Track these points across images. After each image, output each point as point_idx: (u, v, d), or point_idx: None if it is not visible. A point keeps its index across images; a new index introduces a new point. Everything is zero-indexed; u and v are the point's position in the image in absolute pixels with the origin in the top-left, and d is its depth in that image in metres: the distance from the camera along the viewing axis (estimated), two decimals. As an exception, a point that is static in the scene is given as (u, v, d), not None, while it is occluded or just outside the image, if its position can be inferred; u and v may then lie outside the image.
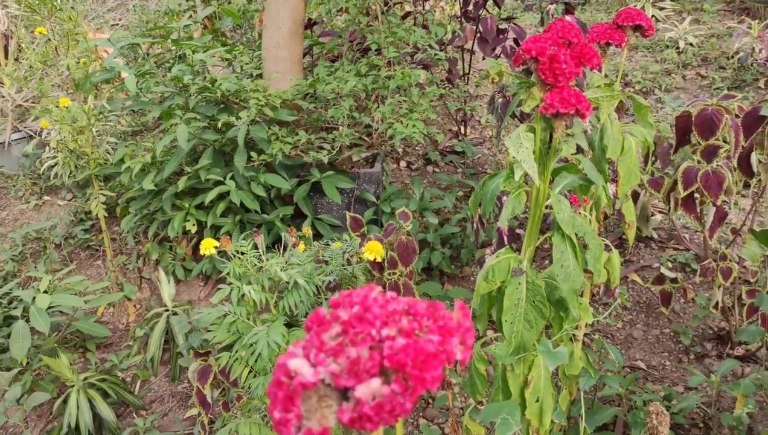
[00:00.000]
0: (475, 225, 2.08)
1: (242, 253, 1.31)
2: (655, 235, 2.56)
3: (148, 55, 2.89)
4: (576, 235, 0.99)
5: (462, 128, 3.29)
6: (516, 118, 2.53)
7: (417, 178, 2.70)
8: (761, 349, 1.94)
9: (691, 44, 4.13)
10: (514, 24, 2.92)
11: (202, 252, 1.21)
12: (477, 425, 1.11)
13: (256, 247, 1.36)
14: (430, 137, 3.18)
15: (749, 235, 1.45)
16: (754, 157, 1.97)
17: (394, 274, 1.86)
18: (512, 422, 0.97)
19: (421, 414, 1.98)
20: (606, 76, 2.17)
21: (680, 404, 1.69)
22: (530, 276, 0.99)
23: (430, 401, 1.99)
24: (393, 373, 0.37)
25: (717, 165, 1.81)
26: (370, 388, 0.37)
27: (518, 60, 0.98)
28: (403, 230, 1.89)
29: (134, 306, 2.61)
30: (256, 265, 1.32)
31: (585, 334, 2.13)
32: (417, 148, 3.29)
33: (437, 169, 3.13)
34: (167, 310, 2.30)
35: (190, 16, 3.46)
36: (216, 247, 1.25)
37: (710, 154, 1.79)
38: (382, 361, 0.37)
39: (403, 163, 3.19)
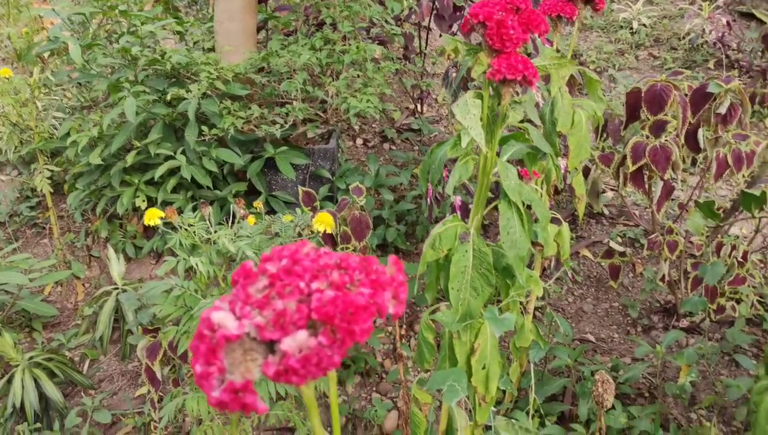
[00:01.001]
0: (429, 200, 2.08)
1: (190, 226, 1.28)
2: (606, 212, 2.61)
3: (99, 27, 2.80)
4: (523, 203, 1.00)
5: (419, 106, 3.28)
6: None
7: (373, 156, 2.68)
8: (705, 320, 2.00)
9: (644, 25, 4.19)
10: (472, 2, 2.91)
11: (146, 222, 1.18)
12: (424, 393, 1.11)
13: (204, 219, 1.34)
14: (387, 114, 3.17)
15: (694, 208, 1.48)
16: (701, 133, 2.01)
17: (347, 248, 1.85)
18: (459, 389, 0.97)
19: (374, 389, 1.99)
20: (558, 51, 2.18)
21: (626, 374, 1.73)
22: (477, 243, 0.99)
23: (384, 375, 2.00)
24: (321, 325, 0.37)
25: (665, 140, 1.84)
26: (296, 341, 0.36)
27: (466, 25, 0.97)
28: (356, 205, 1.88)
29: (83, 285, 2.55)
30: (204, 237, 1.29)
31: (536, 308, 2.16)
32: (373, 125, 3.27)
33: (393, 147, 3.12)
34: (116, 288, 2.25)
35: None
36: (162, 219, 1.22)
37: (658, 129, 1.82)
38: (310, 313, 0.36)
39: (359, 141, 3.17)
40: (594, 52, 3.95)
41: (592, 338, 2.08)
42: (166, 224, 1.28)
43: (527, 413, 1.59)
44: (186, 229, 1.25)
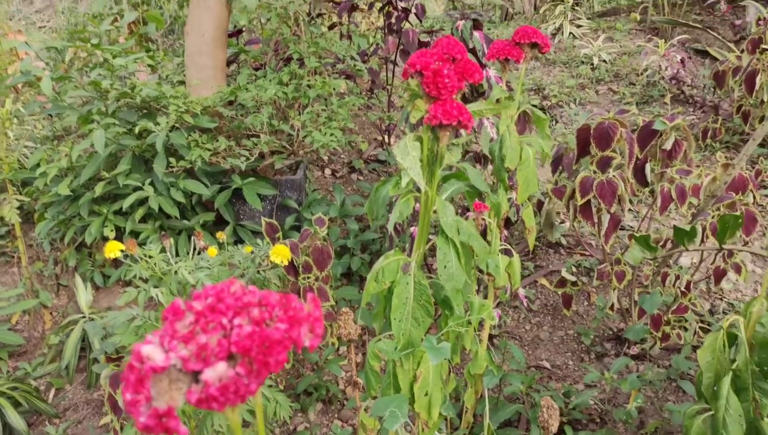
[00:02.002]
0: (389, 231, 2.15)
1: (150, 257, 1.33)
2: (564, 242, 2.70)
3: (74, 57, 2.85)
4: (460, 237, 1.07)
5: (386, 137, 3.37)
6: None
7: (339, 186, 2.76)
8: (654, 347, 2.08)
9: (604, 61, 4.35)
10: (437, 37, 3.02)
11: (106, 255, 1.23)
12: (370, 419, 1.17)
13: (165, 250, 1.39)
14: (354, 146, 3.25)
15: (632, 241, 1.56)
16: (648, 168, 2.11)
17: (308, 278, 1.91)
18: (400, 415, 1.03)
19: (336, 415, 2.03)
20: (511, 89, 2.28)
21: (576, 400, 1.80)
22: (417, 276, 1.05)
23: (345, 402, 2.05)
24: (240, 357, 0.43)
25: (611, 175, 1.93)
26: (216, 372, 0.41)
27: (406, 74, 1.05)
28: (318, 235, 1.94)
29: (51, 314, 2.57)
30: (164, 268, 1.34)
31: (494, 336, 2.23)
32: (342, 156, 3.35)
33: (361, 177, 3.20)
34: (84, 317, 2.28)
35: (115, 20, 3.43)
36: (122, 251, 1.27)
37: (604, 164, 1.92)
38: (230, 346, 0.42)
39: (328, 171, 3.25)
40: (556, 86, 4.09)
41: (547, 365, 2.15)
42: (130, 256, 1.33)
43: (481, 438, 1.65)
44: (147, 261, 1.30)
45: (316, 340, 0.47)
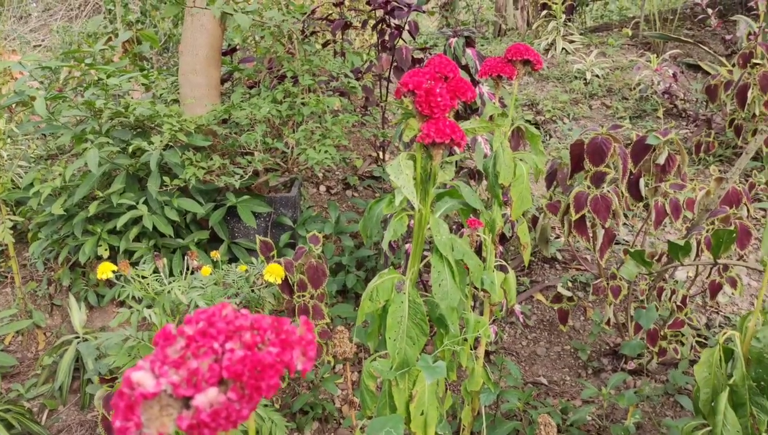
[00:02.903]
0: (384, 249, 2.14)
1: (143, 277, 1.32)
2: (559, 257, 2.70)
3: (68, 77, 2.86)
4: (454, 254, 1.06)
5: (380, 154, 3.37)
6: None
7: (333, 203, 2.75)
8: (651, 362, 2.07)
9: (597, 76, 4.37)
10: (430, 54, 3.04)
11: (98, 276, 1.22)
12: (366, 439, 1.16)
13: (158, 270, 1.38)
14: (348, 162, 3.25)
15: (627, 256, 1.57)
16: (642, 183, 2.12)
17: (303, 296, 1.90)
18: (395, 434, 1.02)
19: (333, 434, 2.01)
20: (504, 105, 2.29)
21: (573, 417, 1.79)
22: (412, 295, 1.05)
23: (341, 421, 2.03)
24: (232, 382, 0.42)
25: (606, 190, 1.94)
26: (207, 397, 0.41)
27: (398, 93, 1.05)
28: (313, 253, 1.94)
29: (44, 334, 2.55)
30: (157, 288, 1.33)
31: (491, 352, 2.22)
32: (337, 172, 3.35)
33: (356, 194, 3.20)
34: (77, 337, 2.26)
35: (109, 39, 3.44)
36: (114, 272, 1.26)
37: (598, 179, 1.92)
38: (221, 371, 0.42)
39: (323, 188, 3.25)
40: (550, 101, 4.11)
41: (544, 381, 2.14)
42: (123, 277, 1.33)
43: (479, 456, 1.63)
44: (140, 282, 1.29)
45: (308, 364, 0.46)
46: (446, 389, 1.50)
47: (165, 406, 0.41)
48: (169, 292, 1.34)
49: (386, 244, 1.04)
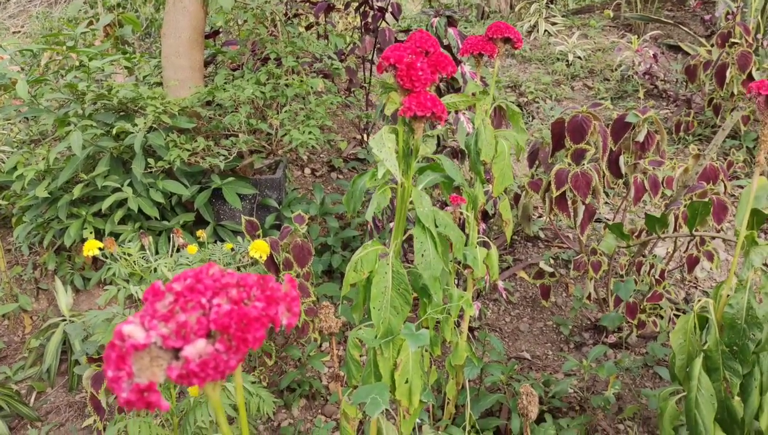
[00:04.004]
0: (369, 226, 2.17)
1: (129, 255, 1.33)
2: (542, 235, 2.74)
3: (49, 61, 2.84)
4: (437, 227, 1.09)
5: (364, 136, 3.39)
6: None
7: (318, 185, 2.77)
8: (630, 335, 2.12)
9: (579, 57, 4.41)
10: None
11: (85, 253, 1.23)
12: (352, 407, 1.19)
13: (144, 248, 1.39)
14: (333, 145, 3.27)
15: (607, 230, 1.60)
16: (622, 160, 2.15)
17: (289, 274, 1.92)
18: (381, 401, 1.05)
19: (320, 411, 2.05)
20: (485, 84, 2.31)
21: (555, 389, 1.84)
22: (395, 266, 1.08)
23: (328, 397, 2.06)
24: (219, 335, 0.44)
25: (586, 167, 1.97)
26: (196, 348, 0.43)
27: (380, 68, 1.07)
28: (298, 232, 1.96)
29: (31, 318, 2.55)
30: (143, 266, 1.35)
31: (475, 328, 2.25)
32: (321, 155, 3.37)
33: (340, 176, 3.22)
34: (64, 320, 2.27)
35: (90, 23, 3.41)
36: (101, 249, 1.28)
37: (579, 156, 1.95)
38: (209, 324, 0.44)
39: (307, 170, 3.26)
40: (532, 83, 4.14)
41: (527, 356, 2.19)
42: (110, 255, 1.34)
43: (463, 428, 1.67)
44: (126, 259, 1.31)
45: (293, 319, 0.48)
46: (431, 364, 1.53)
47: (155, 357, 0.43)
48: (155, 269, 1.36)
49: (370, 216, 1.07)
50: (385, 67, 1.06)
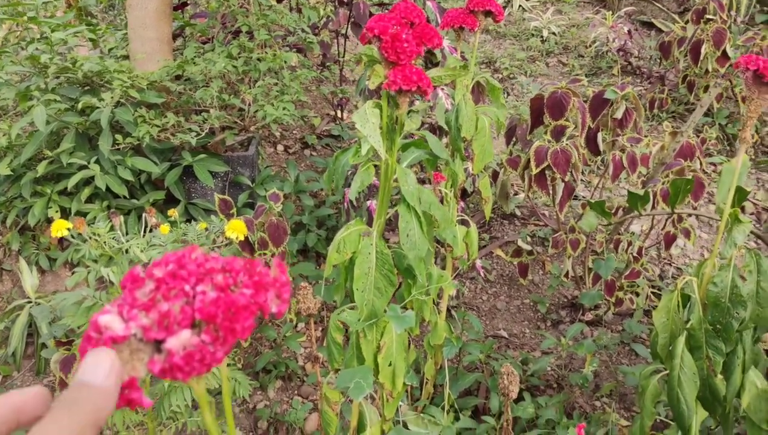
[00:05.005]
0: (346, 205, 2.13)
1: (98, 236, 1.28)
2: (518, 213, 2.72)
3: (9, 33, 2.72)
4: (421, 206, 1.06)
5: (338, 112, 3.33)
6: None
7: (292, 162, 2.71)
8: (607, 312, 2.13)
9: (553, 33, 4.38)
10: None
11: (53, 234, 1.18)
12: (333, 392, 1.16)
13: (114, 229, 1.34)
14: (306, 121, 3.20)
15: (587, 208, 1.59)
16: (600, 137, 2.14)
17: (264, 254, 1.88)
18: (365, 385, 1.02)
19: (296, 392, 2.02)
20: (464, 58, 2.27)
21: (533, 367, 1.83)
22: (379, 246, 1.04)
23: (305, 378, 2.03)
24: (205, 325, 0.40)
25: (565, 144, 1.95)
26: (180, 340, 0.39)
27: (364, 39, 1.02)
28: (273, 211, 1.91)
29: (-6, 300, 2.47)
30: (114, 247, 1.30)
31: (452, 307, 2.24)
32: (294, 132, 3.30)
33: (314, 153, 3.16)
34: (29, 302, 2.20)
35: (52, -7, 3.27)
36: (69, 229, 1.22)
37: (558, 133, 1.93)
38: (194, 314, 0.40)
39: (280, 147, 3.19)
40: (507, 59, 4.11)
41: (504, 334, 2.18)
42: (78, 235, 1.28)
43: (442, 408, 1.65)
44: (96, 240, 1.25)
45: (283, 306, 0.45)
46: (409, 344, 1.51)
47: (135, 350, 0.39)
48: (126, 250, 1.30)
49: (354, 195, 1.03)
50: (368, 38, 1.01)
